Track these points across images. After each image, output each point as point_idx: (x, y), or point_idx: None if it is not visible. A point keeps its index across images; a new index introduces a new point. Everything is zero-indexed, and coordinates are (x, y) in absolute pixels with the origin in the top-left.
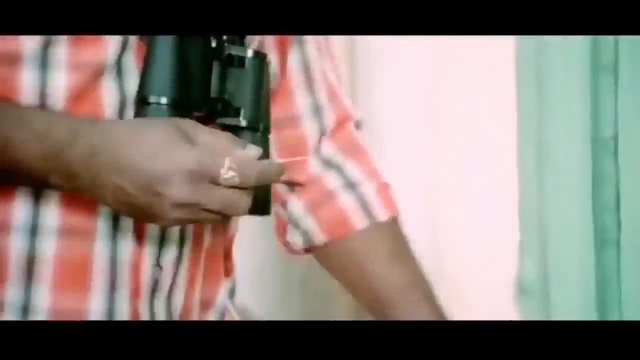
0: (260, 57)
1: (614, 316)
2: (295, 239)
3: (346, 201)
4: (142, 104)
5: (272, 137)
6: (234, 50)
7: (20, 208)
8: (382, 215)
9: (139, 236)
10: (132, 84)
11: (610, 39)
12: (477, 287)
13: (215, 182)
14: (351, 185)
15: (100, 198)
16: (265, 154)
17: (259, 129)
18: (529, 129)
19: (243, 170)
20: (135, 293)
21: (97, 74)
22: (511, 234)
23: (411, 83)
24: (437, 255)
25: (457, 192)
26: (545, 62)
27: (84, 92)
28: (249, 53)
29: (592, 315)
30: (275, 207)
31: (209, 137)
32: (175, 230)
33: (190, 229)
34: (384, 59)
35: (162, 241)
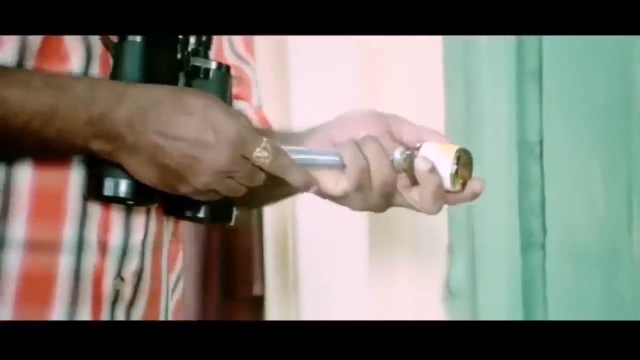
0: (224, 68)
1: (539, 317)
2: None
3: None
4: None
5: None
6: (198, 62)
7: None
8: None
9: (102, 249)
10: None
11: (534, 45)
12: (407, 289)
13: (246, 156)
14: None
15: (135, 160)
16: None
17: None
18: (456, 134)
19: (275, 156)
20: (96, 304)
21: None
22: (440, 237)
23: (341, 87)
24: (368, 256)
25: None
26: (473, 69)
27: None
28: (213, 65)
29: (518, 316)
30: None
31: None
32: (137, 242)
33: (150, 243)
34: (316, 59)
35: (124, 253)
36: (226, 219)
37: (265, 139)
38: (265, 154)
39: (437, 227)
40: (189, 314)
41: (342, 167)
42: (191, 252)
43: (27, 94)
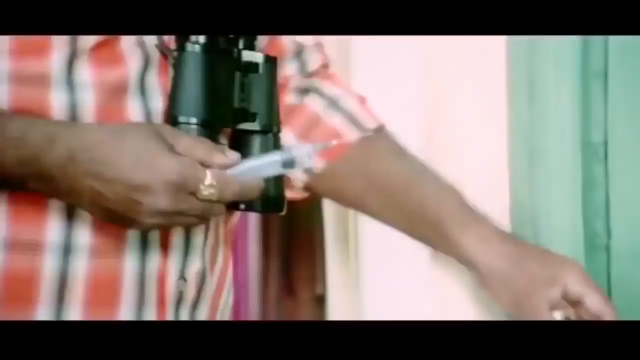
0: (271, 61)
1: None
2: (295, 173)
3: (334, 119)
4: (171, 123)
5: None
6: (248, 57)
7: (52, 228)
8: (371, 124)
9: (165, 250)
10: (155, 102)
11: (600, 45)
12: (470, 292)
13: (193, 194)
14: (333, 103)
15: (77, 202)
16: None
17: (272, 131)
18: (520, 135)
19: (222, 188)
20: (161, 306)
21: (121, 92)
22: None
23: (404, 86)
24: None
25: None
26: (537, 69)
27: (110, 110)
28: (261, 58)
29: None
30: None
31: (189, 145)
32: (198, 242)
33: (210, 243)
34: (380, 60)
35: (186, 254)
36: (277, 209)
37: (209, 173)
38: (212, 190)
39: (501, 229)
40: (250, 313)
41: (290, 165)
42: (251, 250)
43: None
